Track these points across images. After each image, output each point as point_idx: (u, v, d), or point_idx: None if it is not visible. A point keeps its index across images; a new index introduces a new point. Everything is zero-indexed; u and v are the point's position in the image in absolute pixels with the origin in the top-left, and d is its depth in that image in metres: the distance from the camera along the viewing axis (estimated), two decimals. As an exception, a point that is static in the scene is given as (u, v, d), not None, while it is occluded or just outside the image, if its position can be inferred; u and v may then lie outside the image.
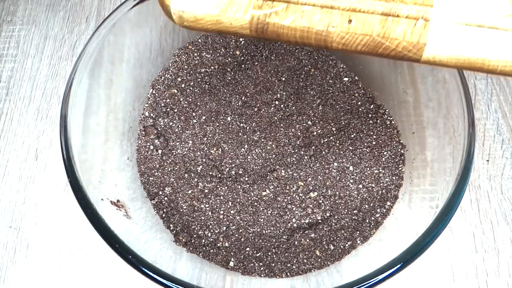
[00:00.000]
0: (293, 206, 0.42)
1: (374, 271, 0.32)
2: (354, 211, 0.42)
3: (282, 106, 0.47)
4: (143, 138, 0.45)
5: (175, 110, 0.47)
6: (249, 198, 0.42)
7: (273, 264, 0.40)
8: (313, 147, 0.45)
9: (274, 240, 0.41)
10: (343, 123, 0.46)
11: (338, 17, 0.25)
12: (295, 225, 0.41)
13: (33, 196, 0.47)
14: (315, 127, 0.46)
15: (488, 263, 0.43)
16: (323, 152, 0.44)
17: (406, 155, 0.43)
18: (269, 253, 0.41)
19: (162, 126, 0.46)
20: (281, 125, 0.46)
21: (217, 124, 0.46)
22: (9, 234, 0.45)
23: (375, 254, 0.38)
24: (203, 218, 0.42)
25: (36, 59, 0.54)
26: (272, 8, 0.25)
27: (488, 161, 0.47)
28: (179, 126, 0.46)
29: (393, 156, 0.43)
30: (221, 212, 0.42)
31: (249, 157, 0.45)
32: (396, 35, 0.24)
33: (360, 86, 0.48)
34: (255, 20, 0.25)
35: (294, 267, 0.40)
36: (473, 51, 0.23)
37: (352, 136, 0.45)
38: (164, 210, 0.43)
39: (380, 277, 0.31)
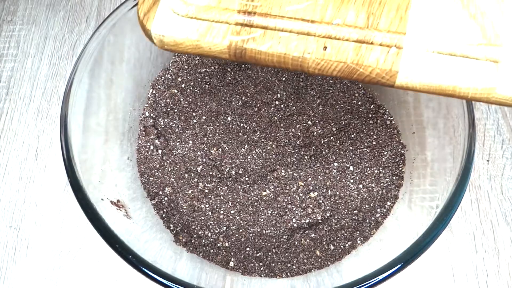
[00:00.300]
0: (293, 206, 0.42)
1: (374, 271, 0.32)
2: (354, 211, 0.42)
3: (282, 106, 0.47)
4: (143, 138, 0.45)
5: (175, 110, 0.47)
6: (249, 198, 0.42)
7: (273, 264, 0.40)
8: (313, 147, 0.45)
9: (274, 240, 0.41)
10: (343, 123, 0.46)
11: (314, 44, 0.25)
12: (295, 225, 0.41)
13: (33, 196, 0.47)
14: (315, 127, 0.46)
15: (488, 263, 0.43)
16: (323, 152, 0.44)
17: (406, 155, 0.43)
18: (269, 253, 0.41)
19: (162, 126, 0.46)
20: (281, 125, 0.46)
21: (217, 124, 0.46)
22: (9, 234, 0.45)
23: (375, 254, 0.38)
24: (203, 218, 0.42)
25: (36, 58, 0.54)
26: (250, 34, 0.26)
27: (488, 161, 0.47)
28: (179, 126, 0.46)
29: (393, 156, 0.43)
30: (221, 212, 0.42)
31: (249, 157, 0.45)
32: (369, 62, 0.25)
33: (360, 86, 0.48)
34: (233, 45, 0.26)
35: (294, 267, 0.40)
36: (444, 79, 0.24)
37: (352, 136, 0.45)
38: (164, 210, 0.43)
39: (380, 277, 0.31)
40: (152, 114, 0.46)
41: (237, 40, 0.26)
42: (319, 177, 0.43)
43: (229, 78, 0.48)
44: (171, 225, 0.42)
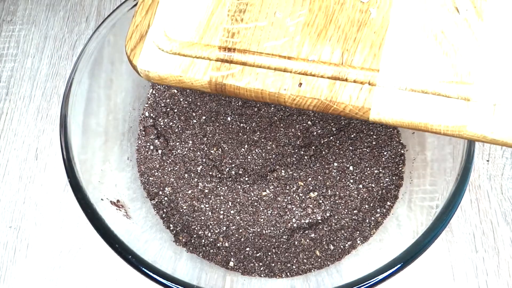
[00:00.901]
0: (293, 206, 0.42)
1: (374, 271, 0.32)
2: (354, 211, 0.42)
3: (282, 105, 0.47)
4: (143, 138, 0.45)
5: (175, 110, 0.47)
6: (249, 198, 0.42)
7: (273, 264, 0.40)
8: (313, 147, 0.45)
9: (274, 240, 0.41)
10: (343, 123, 0.46)
11: (290, 80, 0.26)
12: (295, 225, 0.41)
13: (33, 196, 0.47)
14: (315, 127, 0.46)
15: (488, 263, 0.43)
16: (323, 152, 0.44)
17: (406, 155, 0.43)
18: (269, 253, 0.41)
19: (162, 126, 0.46)
20: (281, 125, 0.46)
21: (217, 124, 0.46)
22: (9, 234, 0.45)
23: (375, 254, 0.38)
24: (203, 218, 0.42)
25: (36, 58, 0.54)
26: (229, 70, 0.27)
27: (488, 161, 0.47)
28: (179, 126, 0.46)
29: (393, 156, 0.43)
30: (221, 212, 0.42)
31: (249, 157, 0.45)
32: (343, 99, 0.25)
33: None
34: (214, 81, 0.27)
35: (294, 267, 0.40)
36: (416, 116, 0.24)
37: (352, 136, 0.45)
38: (164, 210, 0.43)
39: (380, 277, 0.31)
40: (152, 114, 0.46)
41: (217, 76, 0.27)
42: (319, 177, 0.43)
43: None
44: (171, 225, 0.42)
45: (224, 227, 0.42)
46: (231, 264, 0.40)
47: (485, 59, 0.24)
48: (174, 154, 0.45)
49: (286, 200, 0.42)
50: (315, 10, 0.27)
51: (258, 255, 0.41)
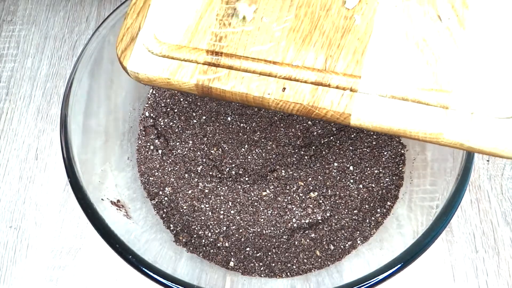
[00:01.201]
0: (293, 206, 0.42)
1: (374, 271, 0.32)
2: (354, 211, 0.42)
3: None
4: (143, 138, 0.45)
5: (175, 110, 0.47)
6: (249, 198, 0.42)
7: (273, 264, 0.40)
8: (313, 147, 0.45)
9: (274, 240, 0.41)
10: (343, 123, 0.46)
11: (274, 85, 0.27)
12: (295, 225, 0.41)
13: (33, 196, 0.47)
14: (315, 127, 0.46)
15: (488, 263, 0.43)
16: (323, 152, 0.44)
17: (406, 155, 0.43)
18: (269, 253, 0.41)
19: (162, 126, 0.46)
20: (281, 125, 0.46)
21: (217, 124, 0.46)
22: (9, 234, 0.45)
23: (375, 254, 0.38)
24: (203, 218, 0.42)
25: (36, 59, 0.54)
26: (216, 73, 0.27)
27: (488, 161, 0.47)
28: (179, 126, 0.46)
29: (393, 156, 0.43)
30: (221, 212, 0.42)
31: (249, 157, 0.45)
32: (324, 105, 0.26)
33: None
34: (200, 84, 0.28)
35: (294, 267, 0.40)
36: (395, 122, 0.25)
37: (352, 136, 0.45)
38: (164, 210, 0.43)
39: (380, 277, 0.31)
40: (152, 114, 0.46)
41: (204, 79, 0.28)
42: (319, 177, 0.43)
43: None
44: (171, 225, 0.42)
45: (224, 227, 0.42)
46: (231, 264, 0.40)
47: (465, 68, 0.24)
48: (174, 154, 0.45)
49: (286, 200, 0.42)
50: (301, 16, 0.27)
51: (258, 255, 0.41)
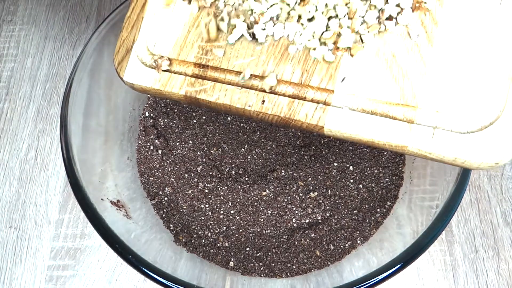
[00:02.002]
0: (293, 206, 0.42)
1: (374, 271, 0.32)
2: (354, 211, 0.42)
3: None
4: (143, 138, 0.45)
5: (175, 110, 0.47)
6: (249, 198, 0.42)
7: (273, 264, 0.40)
8: (313, 147, 0.45)
9: (274, 240, 0.41)
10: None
11: (254, 97, 0.28)
12: (295, 225, 0.41)
13: (33, 196, 0.47)
14: (315, 127, 0.46)
15: (488, 263, 0.43)
16: (323, 152, 0.44)
17: (406, 155, 0.43)
18: (269, 253, 0.41)
19: (162, 126, 0.46)
20: (281, 125, 0.46)
21: (217, 124, 0.46)
22: (9, 234, 0.45)
23: (375, 254, 0.38)
24: (203, 218, 0.42)
25: (36, 59, 0.54)
26: (202, 85, 0.29)
27: (488, 161, 0.47)
28: (179, 126, 0.46)
29: (393, 156, 0.43)
30: (221, 212, 0.42)
31: (249, 157, 0.45)
32: (299, 117, 0.28)
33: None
34: (188, 95, 0.30)
35: (294, 267, 0.40)
36: (364, 133, 0.27)
37: (352, 136, 0.45)
38: (164, 210, 0.43)
39: (380, 277, 0.31)
40: (152, 114, 0.46)
41: (191, 90, 0.30)
42: (319, 177, 0.43)
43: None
44: (171, 225, 0.42)
45: (224, 227, 0.42)
46: (231, 264, 0.40)
47: (429, 84, 0.26)
48: (174, 154, 0.45)
49: (286, 200, 0.42)
50: None
51: (258, 255, 0.41)
